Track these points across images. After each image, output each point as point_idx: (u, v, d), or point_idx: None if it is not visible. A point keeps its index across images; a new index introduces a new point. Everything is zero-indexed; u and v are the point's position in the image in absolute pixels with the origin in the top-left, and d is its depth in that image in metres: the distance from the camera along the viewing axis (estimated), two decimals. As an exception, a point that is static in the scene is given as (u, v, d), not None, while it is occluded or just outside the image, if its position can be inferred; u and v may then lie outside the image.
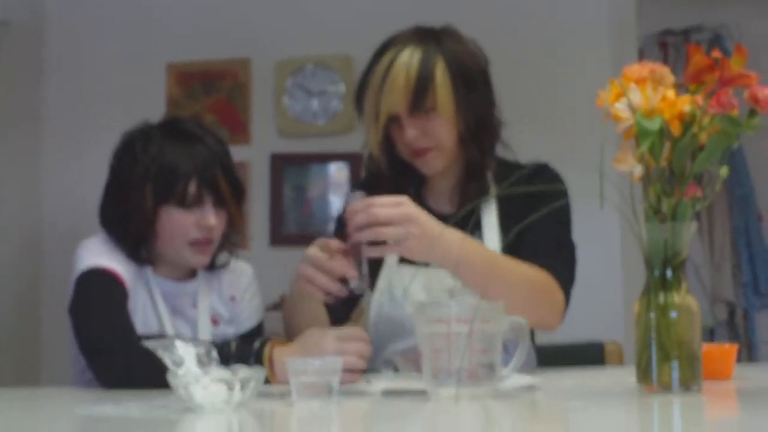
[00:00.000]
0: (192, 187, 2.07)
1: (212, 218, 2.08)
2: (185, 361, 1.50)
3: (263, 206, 4.13)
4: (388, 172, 2.13)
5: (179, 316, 2.17)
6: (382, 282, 2.09)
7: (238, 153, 2.30)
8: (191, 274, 2.21)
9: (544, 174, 2.09)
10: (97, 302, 2.01)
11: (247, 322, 2.22)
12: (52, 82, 4.27)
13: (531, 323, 1.93)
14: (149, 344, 1.52)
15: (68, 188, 4.19)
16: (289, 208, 4.15)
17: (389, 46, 2.07)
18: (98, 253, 2.07)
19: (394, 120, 2.05)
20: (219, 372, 1.48)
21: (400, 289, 2.05)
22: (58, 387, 2.17)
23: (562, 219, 2.08)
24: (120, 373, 1.89)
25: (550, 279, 1.94)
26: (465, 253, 1.82)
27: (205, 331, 2.16)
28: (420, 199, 2.13)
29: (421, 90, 2.00)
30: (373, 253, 1.78)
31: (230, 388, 1.44)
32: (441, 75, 2.01)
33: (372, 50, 4.02)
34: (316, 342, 1.80)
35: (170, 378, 1.47)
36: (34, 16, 4.25)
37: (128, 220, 2.09)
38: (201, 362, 1.50)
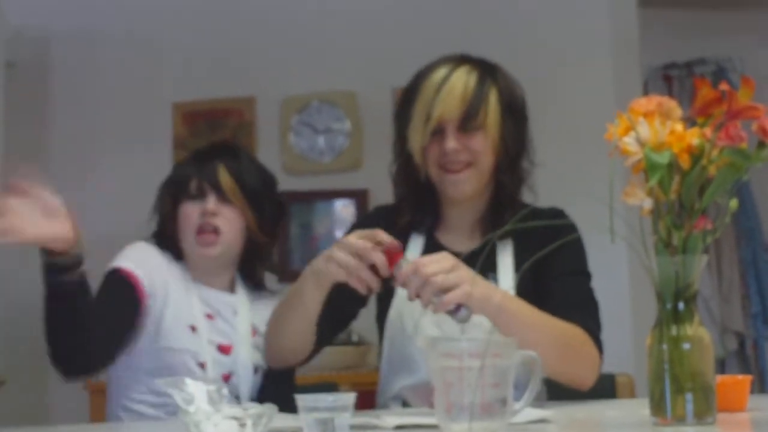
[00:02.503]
0: (194, 182, 2.26)
1: (211, 204, 2.23)
2: (196, 398, 1.49)
3: (270, 243, 4.13)
4: (419, 186, 2.13)
5: (219, 318, 2.26)
6: (393, 313, 2.08)
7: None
8: (230, 287, 2.32)
9: (560, 220, 2.09)
10: (101, 299, 2.12)
11: None
12: (57, 123, 4.29)
13: (567, 379, 1.92)
14: (161, 383, 1.52)
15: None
16: (296, 245, 4.15)
17: (440, 64, 2.09)
18: (128, 256, 2.24)
19: (436, 133, 2.05)
20: (230, 409, 1.48)
21: (411, 322, 2.05)
22: (65, 425, 2.16)
23: (583, 269, 2.09)
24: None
25: (586, 336, 1.95)
26: (506, 300, 1.83)
27: (245, 337, 2.25)
28: (432, 238, 2.14)
29: (475, 105, 2.03)
30: (440, 309, 1.75)
31: (241, 424, 1.44)
32: (494, 98, 2.06)
33: (377, 87, 4.03)
34: None
35: (182, 416, 1.47)
36: (40, 57, 4.28)
37: (160, 223, 2.34)
38: (212, 400, 1.50)
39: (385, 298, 2.10)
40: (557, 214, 2.11)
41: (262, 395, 2.19)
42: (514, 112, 2.10)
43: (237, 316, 2.28)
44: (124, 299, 2.16)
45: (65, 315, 1.96)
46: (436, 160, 2.07)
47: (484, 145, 2.05)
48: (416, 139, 2.07)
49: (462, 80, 2.04)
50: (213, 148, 2.36)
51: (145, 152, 4.17)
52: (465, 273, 1.76)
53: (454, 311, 1.75)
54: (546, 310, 1.91)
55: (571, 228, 2.04)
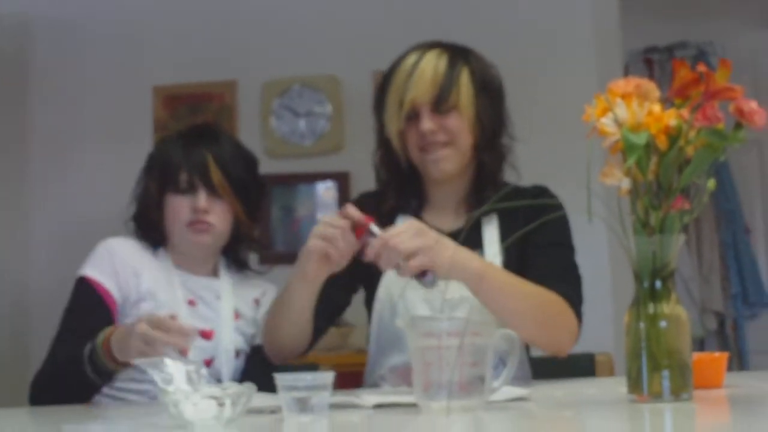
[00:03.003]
0: (183, 176, 2.24)
1: (203, 201, 2.23)
2: (175, 378, 1.50)
3: (251, 226, 4.12)
4: (401, 171, 2.15)
5: (202, 303, 2.27)
6: (381, 291, 2.09)
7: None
8: (213, 272, 2.33)
9: (545, 197, 2.11)
10: (73, 315, 2.18)
11: None
12: (38, 108, 4.26)
13: (544, 345, 1.94)
14: (140, 362, 1.52)
15: (55, 211, 4.19)
16: (277, 228, 4.15)
17: (412, 51, 2.13)
18: (96, 261, 2.23)
19: (412, 117, 2.07)
20: (209, 389, 1.48)
21: (400, 300, 2.06)
22: (46, 406, 2.16)
23: (567, 242, 2.11)
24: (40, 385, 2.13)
25: (564, 303, 1.95)
26: (486, 267, 1.85)
27: (227, 321, 2.26)
28: (419, 218, 2.14)
29: (446, 87, 2.05)
30: (405, 273, 1.76)
31: (220, 404, 1.44)
32: (465, 79, 2.08)
33: (358, 70, 4.04)
34: (124, 339, 1.92)
35: (160, 395, 1.47)
36: (21, 41, 4.25)
37: (142, 208, 2.32)
38: (191, 380, 1.50)
39: (373, 280, 2.11)
40: (541, 191, 2.13)
41: (243, 379, 2.20)
42: (489, 92, 2.12)
43: (220, 301, 2.28)
44: (94, 316, 2.17)
45: (81, 391, 2.07)
46: (416, 142, 2.09)
47: (459, 124, 2.07)
48: (392, 124, 2.10)
49: (432, 63, 2.07)
50: (196, 131, 2.34)
51: (126, 137, 4.15)
52: (430, 239, 1.76)
53: (421, 276, 1.76)
54: (528, 280, 1.92)
55: (557, 206, 2.05)
